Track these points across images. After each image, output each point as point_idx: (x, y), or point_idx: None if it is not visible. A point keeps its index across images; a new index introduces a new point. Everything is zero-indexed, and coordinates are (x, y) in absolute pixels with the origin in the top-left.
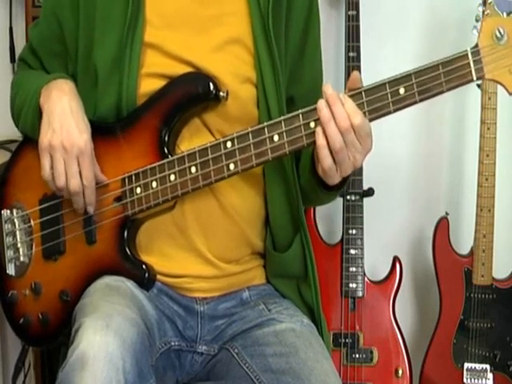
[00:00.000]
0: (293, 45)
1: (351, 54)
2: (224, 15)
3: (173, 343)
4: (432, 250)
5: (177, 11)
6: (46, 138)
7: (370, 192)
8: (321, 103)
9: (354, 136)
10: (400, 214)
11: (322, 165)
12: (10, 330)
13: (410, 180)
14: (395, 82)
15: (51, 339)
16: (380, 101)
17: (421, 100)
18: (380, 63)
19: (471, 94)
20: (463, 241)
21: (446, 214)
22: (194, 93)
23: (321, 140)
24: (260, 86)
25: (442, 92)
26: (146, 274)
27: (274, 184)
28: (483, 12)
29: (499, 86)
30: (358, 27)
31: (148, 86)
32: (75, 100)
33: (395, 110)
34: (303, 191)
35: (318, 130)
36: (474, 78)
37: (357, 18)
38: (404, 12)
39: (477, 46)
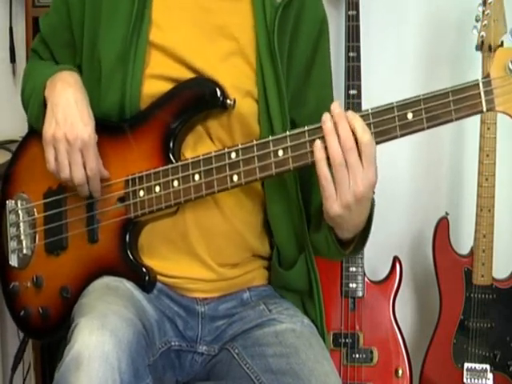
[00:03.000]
0: (297, 68)
1: (351, 54)
2: (230, 26)
3: (173, 343)
4: (432, 250)
5: (183, 16)
6: (49, 130)
7: None
8: (326, 116)
9: (357, 156)
10: (400, 214)
11: (320, 178)
12: (10, 322)
13: (410, 180)
14: (404, 106)
15: (51, 333)
16: (387, 124)
17: (429, 127)
18: (380, 63)
19: None
20: (463, 241)
21: (446, 214)
22: (200, 98)
23: (319, 152)
24: (262, 102)
25: (450, 120)
26: (147, 277)
27: (274, 202)
28: (483, 12)
29: None
30: (357, 27)
31: (152, 87)
32: (80, 92)
33: (402, 135)
34: (314, 244)
35: (317, 142)
36: (484, 110)
37: (357, 18)
38: (404, 12)
39: (488, 76)
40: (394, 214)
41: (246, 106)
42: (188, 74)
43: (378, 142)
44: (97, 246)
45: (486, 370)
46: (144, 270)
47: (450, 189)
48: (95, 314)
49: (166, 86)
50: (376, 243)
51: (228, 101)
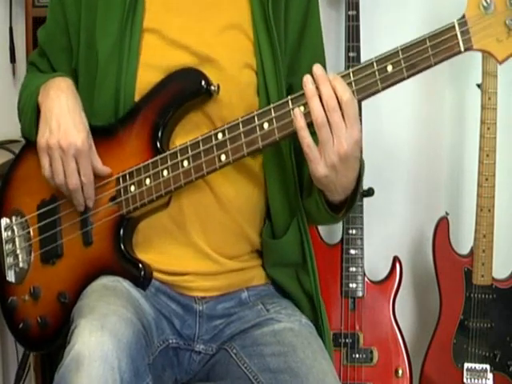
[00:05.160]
0: (291, 33)
1: (351, 54)
2: (223, 1)
3: (170, 341)
4: (432, 250)
5: None
6: (43, 137)
7: (370, 192)
8: (306, 78)
9: (341, 116)
10: (400, 214)
11: (303, 146)
12: (10, 337)
13: (410, 180)
14: (383, 59)
15: (50, 342)
16: (368, 79)
17: (409, 76)
18: None
19: (471, 93)
20: (463, 241)
21: (446, 213)
22: (185, 89)
23: (298, 121)
24: (260, 72)
25: (430, 66)
26: (142, 273)
27: (271, 171)
28: None
29: (499, 86)
30: (357, 27)
31: (146, 76)
32: (73, 98)
33: (383, 88)
34: (306, 209)
35: (296, 112)
36: (462, 49)
37: (357, 18)
38: (404, 12)
39: (463, 17)
40: (394, 213)
41: (244, 76)
42: (183, 55)
43: (361, 99)
44: (92, 248)
45: (485, 370)
46: (140, 265)
47: (450, 189)
48: (95, 315)
49: (161, 76)
50: (376, 243)
51: (212, 87)
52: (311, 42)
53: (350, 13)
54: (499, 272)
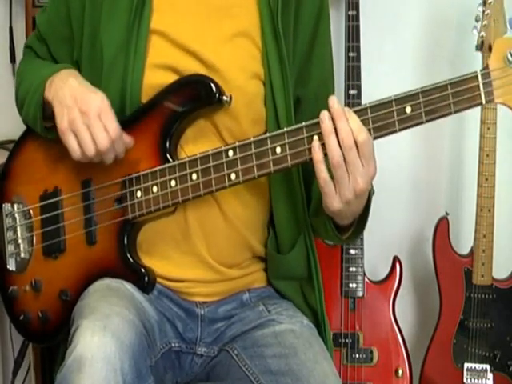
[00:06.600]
0: (301, 44)
1: (351, 54)
2: (233, 7)
3: (173, 344)
4: (432, 250)
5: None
6: (63, 120)
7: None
8: (323, 114)
9: (357, 155)
10: (400, 214)
11: (319, 180)
12: (10, 325)
13: (410, 180)
14: (402, 99)
15: (51, 337)
16: (385, 119)
17: (427, 120)
18: (380, 63)
19: None
20: (463, 241)
21: (446, 213)
22: (196, 97)
23: (317, 154)
24: (268, 83)
25: (449, 113)
26: (146, 278)
27: (278, 186)
28: (483, 12)
29: None
30: (357, 27)
31: (153, 77)
32: (80, 78)
33: (401, 129)
34: (313, 227)
35: (315, 143)
36: (483, 102)
37: (357, 18)
38: (404, 12)
39: (487, 67)
40: (394, 214)
41: (252, 86)
42: (191, 61)
43: (376, 137)
44: (95, 248)
45: (485, 370)
46: (143, 270)
47: (450, 189)
48: (97, 315)
49: (168, 77)
50: (376, 243)
51: (224, 97)
52: (321, 54)
53: (350, 13)
54: (499, 272)
